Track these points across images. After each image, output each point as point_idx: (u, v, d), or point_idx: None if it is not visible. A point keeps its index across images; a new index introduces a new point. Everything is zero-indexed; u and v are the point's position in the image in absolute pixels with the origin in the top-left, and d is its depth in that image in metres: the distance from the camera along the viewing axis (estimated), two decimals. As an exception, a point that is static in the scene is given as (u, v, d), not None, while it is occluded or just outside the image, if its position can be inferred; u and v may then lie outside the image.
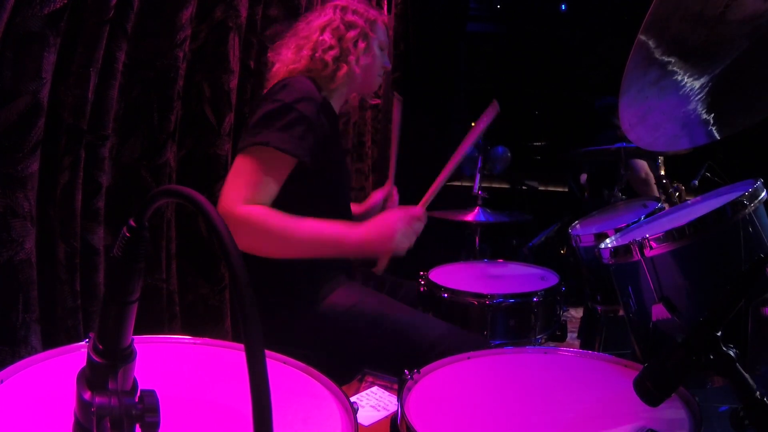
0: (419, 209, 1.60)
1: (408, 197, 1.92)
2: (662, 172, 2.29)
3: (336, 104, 1.76)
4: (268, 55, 1.81)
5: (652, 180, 2.99)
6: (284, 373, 1.06)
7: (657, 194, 2.66)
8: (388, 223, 1.51)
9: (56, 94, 1.46)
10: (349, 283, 1.72)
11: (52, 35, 1.36)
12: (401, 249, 1.52)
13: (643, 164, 3.22)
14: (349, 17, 1.71)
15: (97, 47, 1.51)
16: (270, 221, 1.44)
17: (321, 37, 1.68)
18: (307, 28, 1.73)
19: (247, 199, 1.44)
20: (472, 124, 1.81)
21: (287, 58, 1.71)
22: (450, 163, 1.70)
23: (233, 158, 2.10)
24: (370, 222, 1.54)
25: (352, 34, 1.69)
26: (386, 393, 1.53)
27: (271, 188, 1.49)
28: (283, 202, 1.50)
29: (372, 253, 1.55)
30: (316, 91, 1.61)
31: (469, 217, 2.95)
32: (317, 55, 1.66)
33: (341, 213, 1.74)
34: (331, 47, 1.67)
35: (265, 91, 1.76)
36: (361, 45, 1.71)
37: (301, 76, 1.65)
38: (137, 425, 0.58)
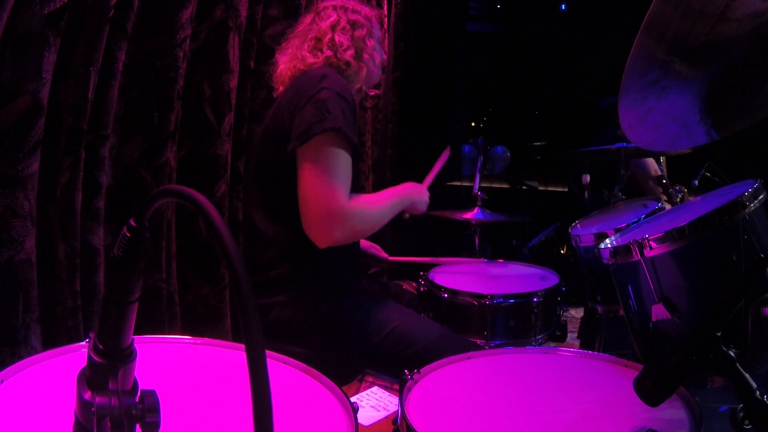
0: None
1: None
2: (665, 172, 2.28)
3: None
4: (276, 57, 1.80)
5: (662, 178, 2.98)
6: (284, 373, 1.06)
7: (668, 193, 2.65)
8: (415, 185, 1.85)
9: (56, 94, 1.46)
10: (353, 286, 1.72)
11: (52, 35, 1.36)
12: (424, 208, 1.86)
13: (652, 162, 3.21)
14: (351, 16, 1.71)
15: (97, 47, 1.51)
16: (368, 205, 1.60)
17: (338, 39, 1.67)
18: (315, 30, 1.70)
19: (349, 192, 1.51)
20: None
21: (304, 59, 1.68)
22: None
23: (233, 158, 2.11)
24: (403, 185, 1.82)
25: (359, 32, 1.70)
26: (386, 393, 1.53)
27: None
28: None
29: (416, 202, 1.82)
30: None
31: (469, 217, 2.94)
32: (339, 55, 1.66)
33: None
34: (348, 47, 1.67)
35: (277, 93, 1.75)
36: (369, 43, 1.71)
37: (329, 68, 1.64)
38: (137, 425, 0.58)
